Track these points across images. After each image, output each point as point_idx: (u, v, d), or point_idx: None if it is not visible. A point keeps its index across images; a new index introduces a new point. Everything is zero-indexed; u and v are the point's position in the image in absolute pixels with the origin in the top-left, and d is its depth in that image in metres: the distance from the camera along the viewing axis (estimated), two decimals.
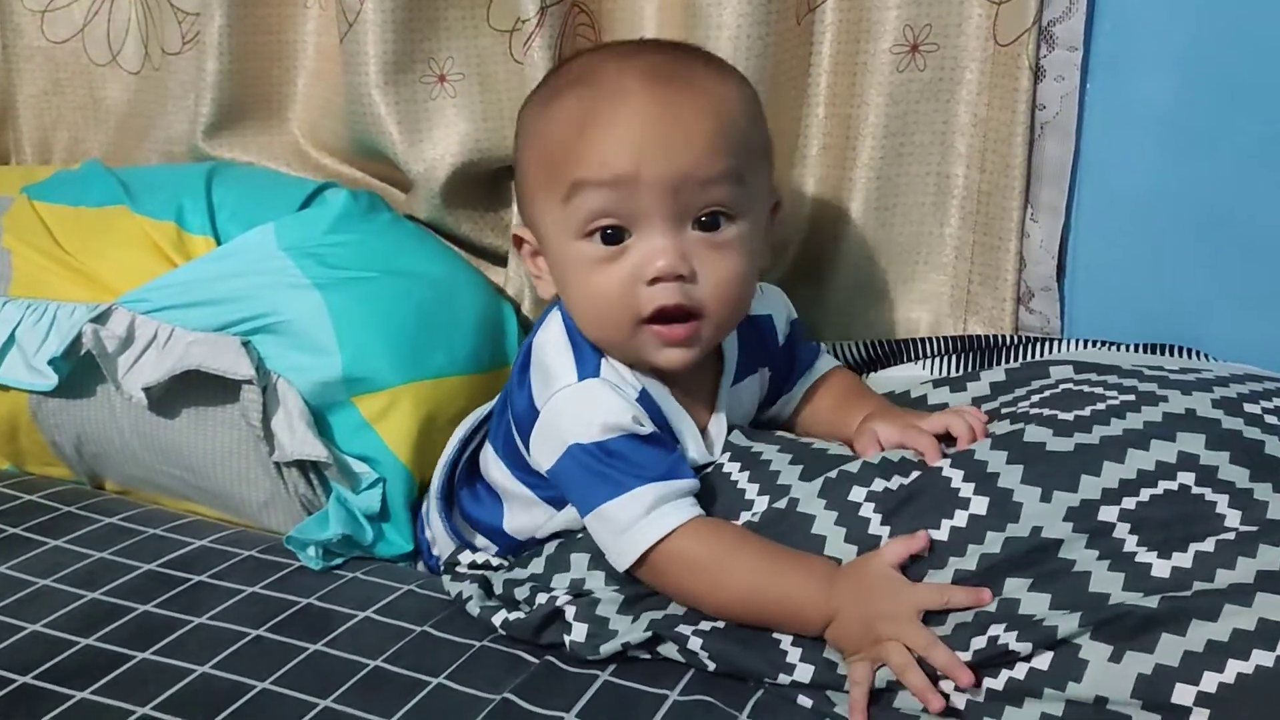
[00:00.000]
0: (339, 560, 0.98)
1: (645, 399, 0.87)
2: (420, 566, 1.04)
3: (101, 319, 1.07)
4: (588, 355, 0.87)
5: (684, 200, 0.82)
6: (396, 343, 1.05)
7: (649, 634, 0.83)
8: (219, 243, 1.11)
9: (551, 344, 0.89)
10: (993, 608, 0.77)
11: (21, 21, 1.39)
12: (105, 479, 1.16)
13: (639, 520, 0.82)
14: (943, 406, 0.96)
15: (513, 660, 0.83)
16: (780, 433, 0.97)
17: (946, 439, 0.88)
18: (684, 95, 0.82)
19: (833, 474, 0.86)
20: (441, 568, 0.97)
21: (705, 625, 0.83)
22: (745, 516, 0.87)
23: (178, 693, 0.79)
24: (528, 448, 0.88)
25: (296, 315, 1.04)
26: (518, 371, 0.91)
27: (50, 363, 1.07)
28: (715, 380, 0.94)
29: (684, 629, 0.83)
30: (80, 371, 1.08)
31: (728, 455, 0.91)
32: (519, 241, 0.92)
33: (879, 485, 0.84)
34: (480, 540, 0.99)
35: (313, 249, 1.09)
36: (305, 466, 1.04)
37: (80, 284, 1.11)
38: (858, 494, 0.84)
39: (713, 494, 0.88)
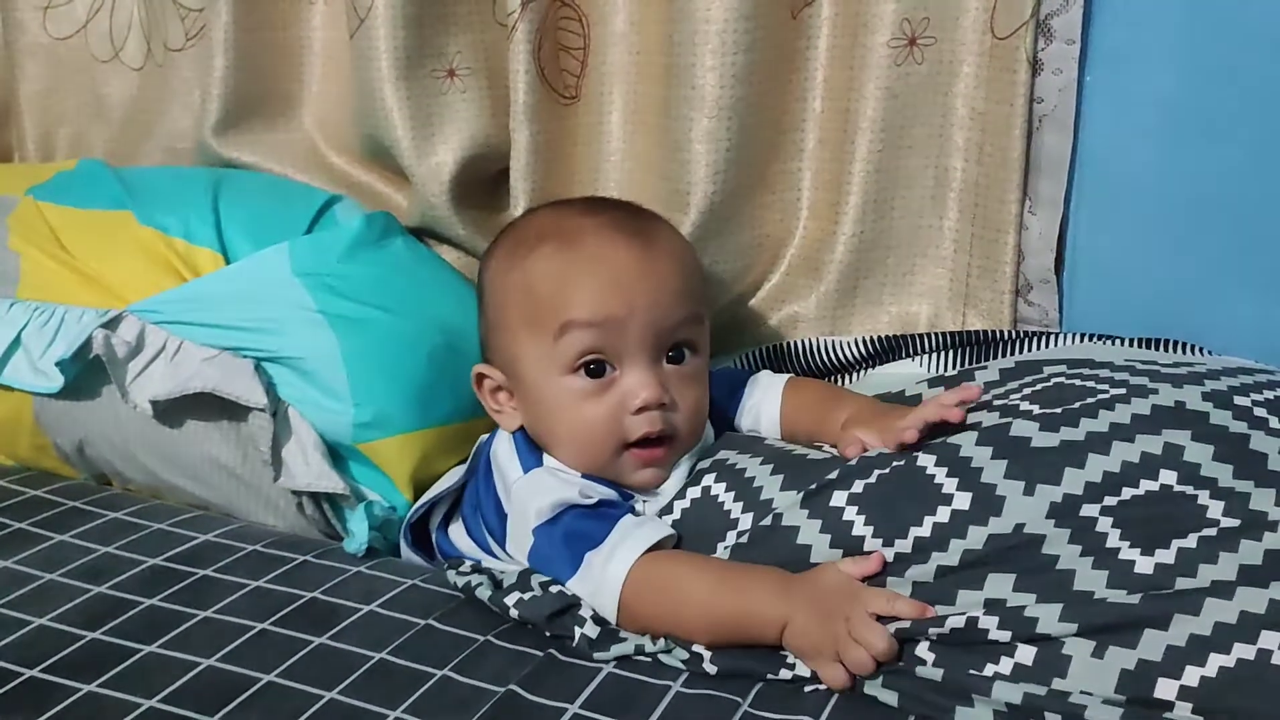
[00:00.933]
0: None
1: (589, 480, 0.93)
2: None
3: (112, 325, 1.07)
4: (529, 457, 0.94)
5: (661, 338, 0.92)
6: (408, 394, 1.06)
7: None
8: (225, 256, 1.12)
9: (502, 451, 0.96)
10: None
11: (24, 18, 1.40)
12: (108, 480, 1.16)
13: (599, 583, 0.86)
14: None
15: (517, 653, 0.84)
16: (768, 441, 0.98)
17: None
18: (655, 247, 0.94)
19: (813, 485, 0.87)
20: (445, 564, 0.98)
21: None
22: (732, 537, 0.89)
23: (184, 685, 0.79)
24: (505, 549, 0.93)
25: (310, 355, 1.05)
26: (481, 479, 0.97)
27: (58, 364, 1.07)
28: None
29: None
30: (85, 376, 1.08)
31: (714, 477, 0.93)
32: (480, 379, 0.98)
33: (859, 486, 0.85)
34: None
35: (326, 277, 1.09)
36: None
37: (88, 288, 1.11)
38: (839, 499, 0.85)
39: (702, 519, 0.91)
